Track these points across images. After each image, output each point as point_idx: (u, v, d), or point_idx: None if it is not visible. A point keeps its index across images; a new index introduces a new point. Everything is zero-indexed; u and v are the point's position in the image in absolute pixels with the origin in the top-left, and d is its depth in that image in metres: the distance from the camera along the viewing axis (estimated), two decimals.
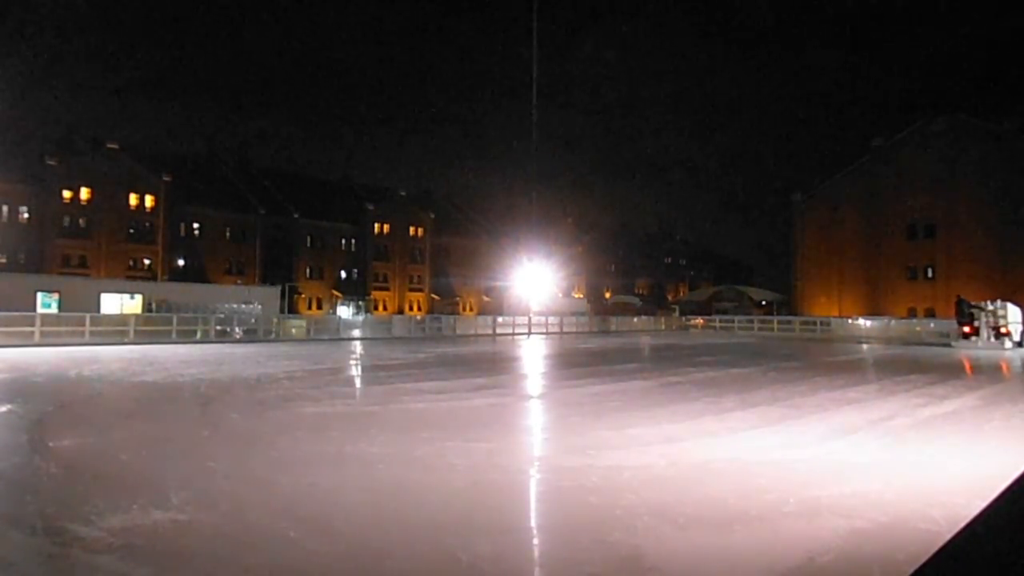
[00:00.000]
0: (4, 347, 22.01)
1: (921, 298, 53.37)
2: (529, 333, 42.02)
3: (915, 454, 7.80)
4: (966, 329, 29.39)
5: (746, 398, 12.22)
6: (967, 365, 21.46)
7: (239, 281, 55.85)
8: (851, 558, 4.43)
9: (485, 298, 74.97)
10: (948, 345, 30.31)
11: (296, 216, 65.24)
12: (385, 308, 68.79)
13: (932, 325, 43.77)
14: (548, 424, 10.31)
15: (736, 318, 53.12)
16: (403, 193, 73.87)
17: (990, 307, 28.87)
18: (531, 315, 47.04)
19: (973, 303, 29.95)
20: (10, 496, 5.96)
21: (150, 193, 57.03)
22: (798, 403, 11.74)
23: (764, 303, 67.51)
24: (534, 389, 14.85)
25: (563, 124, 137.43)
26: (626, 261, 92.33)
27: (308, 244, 66.24)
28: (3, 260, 49.06)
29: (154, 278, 53.04)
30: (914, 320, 48.15)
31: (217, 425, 9.52)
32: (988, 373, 19.13)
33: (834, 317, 50.86)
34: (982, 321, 28.79)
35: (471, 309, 74.16)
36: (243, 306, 37.21)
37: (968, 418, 10.35)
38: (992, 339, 28.23)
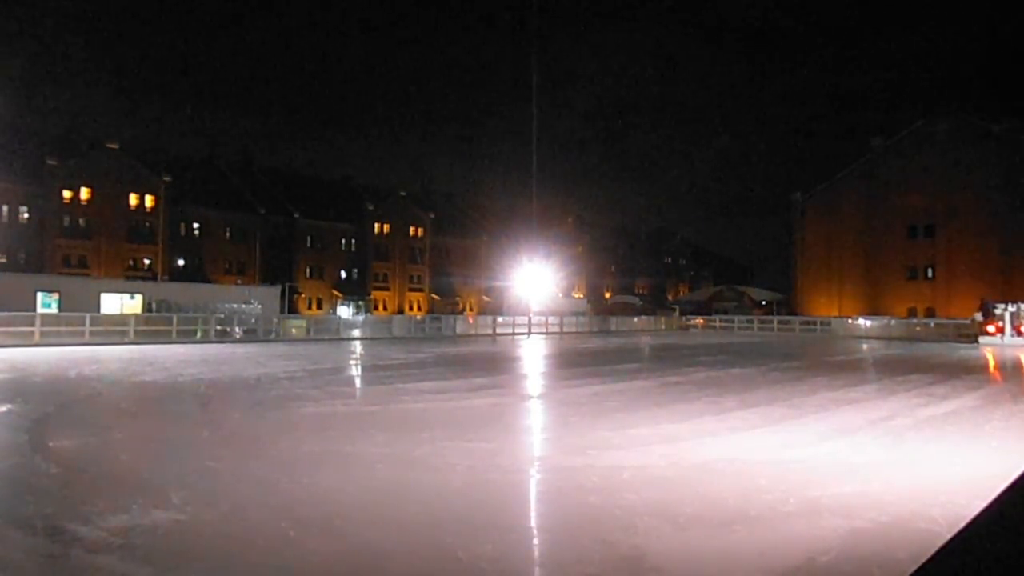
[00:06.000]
0: (4, 347, 22.00)
1: (921, 298, 53.39)
2: (529, 333, 42.01)
3: (915, 454, 7.80)
4: (991, 328, 31.84)
5: (746, 398, 12.21)
6: (994, 361, 22.82)
7: (239, 281, 55.84)
8: (851, 558, 4.43)
9: (485, 298, 74.95)
10: (975, 342, 32.07)
11: (296, 216, 65.22)
12: (385, 308, 68.77)
13: (932, 324, 43.85)
14: (548, 424, 10.31)
15: (736, 318, 53.13)
16: (403, 193, 73.82)
17: (1012, 308, 31.28)
18: (531, 315, 47.02)
19: (996, 304, 32.37)
20: (10, 496, 5.97)
21: (150, 193, 57.00)
22: (798, 403, 11.74)
23: (764, 303, 67.50)
24: (534, 389, 14.85)
25: (563, 124, 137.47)
26: (626, 261, 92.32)
27: (308, 244, 66.20)
28: (3, 260, 49.04)
29: (154, 278, 52.99)
30: (914, 320, 48.20)
31: (217, 425, 9.52)
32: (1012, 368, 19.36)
33: (834, 317, 50.87)
34: (1006, 320, 31.14)
35: (471, 309, 74.12)
36: (243, 306, 37.18)
37: (968, 417, 10.35)
38: (1014, 336, 30.72)
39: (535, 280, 55.72)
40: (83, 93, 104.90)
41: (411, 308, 71.30)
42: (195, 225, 60.15)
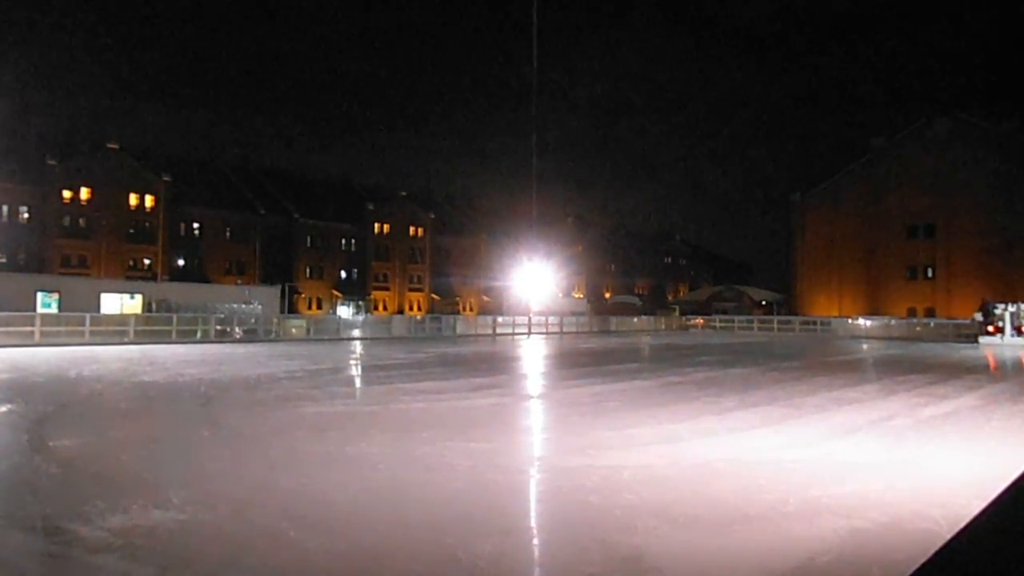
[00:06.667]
0: (4, 347, 22.00)
1: (921, 298, 53.39)
2: (529, 333, 42.01)
3: (916, 454, 7.80)
4: (991, 328, 32.28)
5: (746, 398, 12.21)
6: (994, 361, 22.98)
7: (239, 281, 55.83)
8: (851, 558, 4.43)
9: (485, 298, 74.94)
10: (975, 342, 32.35)
11: (296, 216, 65.22)
12: (385, 308, 68.76)
13: (932, 324, 43.90)
14: (548, 424, 10.31)
15: (736, 318, 53.14)
16: (403, 193, 73.83)
17: (1012, 308, 31.60)
18: (531, 315, 47.02)
19: (996, 304, 32.72)
20: (10, 496, 5.96)
21: (150, 193, 57.01)
22: (798, 403, 11.73)
23: (764, 303, 67.50)
24: (534, 389, 14.85)
25: (563, 124, 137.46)
26: (626, 261, 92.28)
27: (308, 244, 66.21)
28: (3, 260, 49.04)
29: (154, 278, 53.00)
30: (914, 320, 48.21)
31: (217, 425, 9.52)
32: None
33: (834, 317, 50.88)
34: (1006, 320, 31.46)
35: (471, 309, 74.12)
36: (243, 306, 37.17)
37: (968, 417, 10.35)
38: (1014, 336, 31.10)
39: (535, 280, 55.70)
40: (83, 93, 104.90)
41: (411, 308, 71.29)
42: (195, 225, 60.15)
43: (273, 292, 43.58)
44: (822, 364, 21.05)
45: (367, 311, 63.05)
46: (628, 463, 7.03)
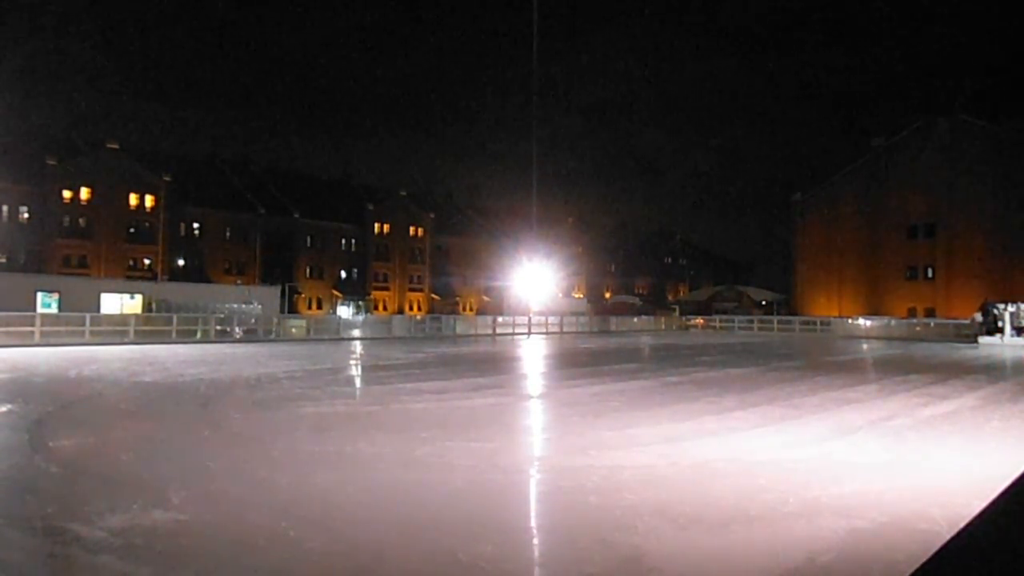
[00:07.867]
0: (4, 347, 21.99)
1: (921, 298, 53.38)
2: (529, 333, 42.00)
3: (915, 454, 7.80)
4: (990, 328, 32.42)
5: (746, 398, 12.21)
6: (994, 361, 22.87)
7: (239, 281, 55.82)
8: (851, 558, 4.43)
9: (485, 298, 74.95)
10: (975, 342, 32.41)
11: (296, 216, 65.21)
12: (385, 308, 68.77)
13: (932, 325, 43.91)
14: (548, 424, 10.31)
15: (736, 318, 53.12)
16: (403, 193, 73.84)
17: (1012, 308, 31.71)
18: (531, 315, 47.01)
19: (996, 304, 32.86)
20: (10, 496, 5.97)
21: (150, 193, 57.01)
22: (798, 403, 11.73)
23: (764, 303, 67.49)
24: (534, 389, 14.85)
25: (563, 124, 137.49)
26: (626, 261, 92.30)
27: (308, 244, 66.22)
28: (3, 260, 49.04)
29: (154, 278, 53.00)
30: (914, 320, 48.22)
31: (217, 425, 9.52)
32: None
33: (834, 317, 50.89)
34: (1005, 320, 31.54)
35: (471, 309, 74.12)
36: (243, 306, 37.19)
37: (968, 417, 10.35)
38: (1014, 336, 31.18)
39: (535, 280, 55.67)
40: (83, 93, 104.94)
41: (411, 308, 71.30)
42: (195, 225, 60.16)
43: (273, 292, 43.61)
44: (822, 364, 21.05)
45: (367, 311, 63.07)
46: (628, 463, 7.04)
